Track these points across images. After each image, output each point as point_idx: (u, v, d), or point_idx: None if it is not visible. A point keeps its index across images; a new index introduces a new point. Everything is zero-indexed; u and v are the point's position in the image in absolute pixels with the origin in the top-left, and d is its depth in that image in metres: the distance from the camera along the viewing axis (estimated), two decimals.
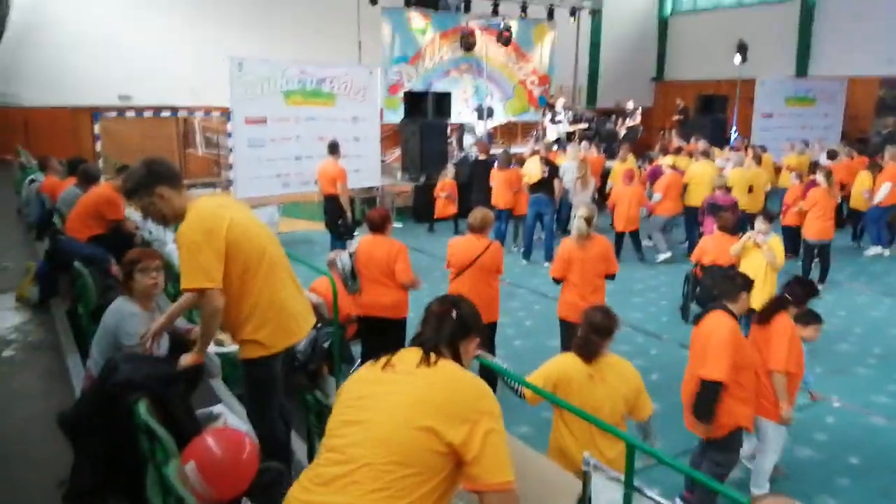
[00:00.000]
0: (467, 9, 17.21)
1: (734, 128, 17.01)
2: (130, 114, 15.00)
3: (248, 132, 11.28)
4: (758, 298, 5.44)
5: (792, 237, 10.21)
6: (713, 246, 7.40)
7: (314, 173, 12.04)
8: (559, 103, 16.31)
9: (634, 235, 10.20)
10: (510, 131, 19.43)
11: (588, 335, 3.53)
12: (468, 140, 15.89)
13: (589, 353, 3.52)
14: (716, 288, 7.33)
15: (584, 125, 16.07)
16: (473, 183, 11.35)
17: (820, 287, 8.81)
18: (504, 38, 16.93)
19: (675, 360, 6.52)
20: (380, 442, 1.86)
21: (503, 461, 1.90)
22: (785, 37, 20.26)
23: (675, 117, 19.04)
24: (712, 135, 15.19)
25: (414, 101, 13.87)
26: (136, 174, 3.00)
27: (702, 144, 11.83)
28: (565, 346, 5.69)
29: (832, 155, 11.55)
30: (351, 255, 5.49)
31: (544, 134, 16.37)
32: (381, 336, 5.37)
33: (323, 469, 1.90)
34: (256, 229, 3.17)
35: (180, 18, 15.51)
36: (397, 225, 12.69)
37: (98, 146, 14.55)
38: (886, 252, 10.78)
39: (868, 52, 18.35)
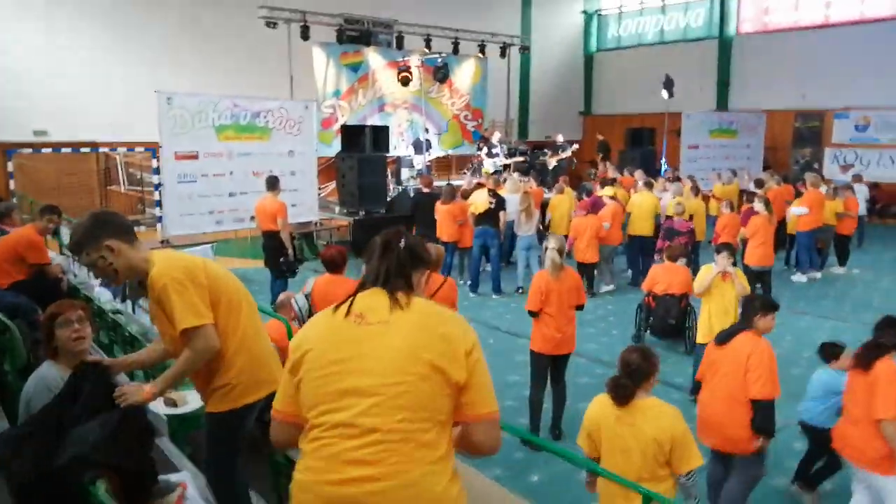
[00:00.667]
0: (399, 45, 17.17)
1: (664, 159, 17.47)
2: (47, 150, 14.16)
3: (177, 168, 10.77)
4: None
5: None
6: (664, 275, 7.41)
7: (249, 210, 11.61)
8: (495, 137, 16.37)
9: (592, 267, 10.13)
10: (446, 164, 19.40)
11: (620, 379, 3.34)
12: (405, 174, 15.73)
13: (620, 396, 3.33)
14: (671, 317, 7.42)
15: (520, 158, 16.16)
16: (416, 216, 11.12)
17: None
18: (441, 75, 16.98)
19: None
20: (392, 404, 1.82)
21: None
22: (705, 72, 21.10)
23: (599, 154, 19.50)
24: (642, 166, 15.52)
25: (351, 135, 13.62)
26: (81, 227, 2.71)
27: (641, 175, 12.01)
28: (535, 379, 5.52)
29: (759, 184, 11.91)
30: (307, 297, 5.15)
31: (480, 167, 16.40)
32: None
33: (340, 446, 1.83)
34: (226, 271, 2.93)
35: (102, 50, 14.82)
36: None
37: (12, 184, 13.66)
38: (818, 275, 11.13)
39: (783, 86, 19.30)
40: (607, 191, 11.24)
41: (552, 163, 16.78)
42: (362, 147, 13.36)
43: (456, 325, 1.97)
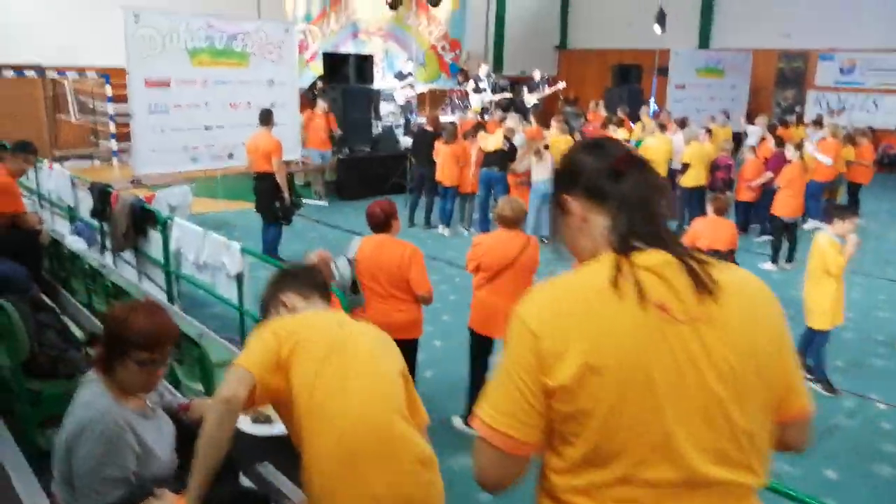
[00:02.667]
0: None
1: (653, 98, 16.81)
2: None
3: (148, 97, 9.54)
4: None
5: (746, 213, 9.96)
6: (708, 230, 6.80)
7: (227, 146, 10.57)
8: (482, 71, 15.37)
9: None
10: (421, 99, 18.32)
11: None
12: (385, 108, 14.66)
13: None
14: None
15: (507, 94, 15.26)
16: (416, 156, 10.21)
17: (788, 266, 8.60)
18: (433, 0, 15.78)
19: None
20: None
21: None
22: (688, 8, 20.25)
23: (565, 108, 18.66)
24: (629, 105, 14.87)
25: (334, 64, 12.47)
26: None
27: (663, 116, 11.36)
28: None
29: (773, 127, 11.39)
30: (350, 262, 4.32)
31: (463, 103, 15.46)
32: None
33: None
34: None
35: None
36: (321, 202, 11.42)
37: None
38: (825, 226, 10.75)
39: (767, 25, 18.68)
40: (621, 134, 10.54)
41: (531, 101, 15.93)
42: (345, 78, 12.28)
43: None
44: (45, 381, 3.04)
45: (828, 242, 5.21)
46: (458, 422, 4.74)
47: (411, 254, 4.30)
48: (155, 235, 6.12)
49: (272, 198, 7.99)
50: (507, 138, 9.31)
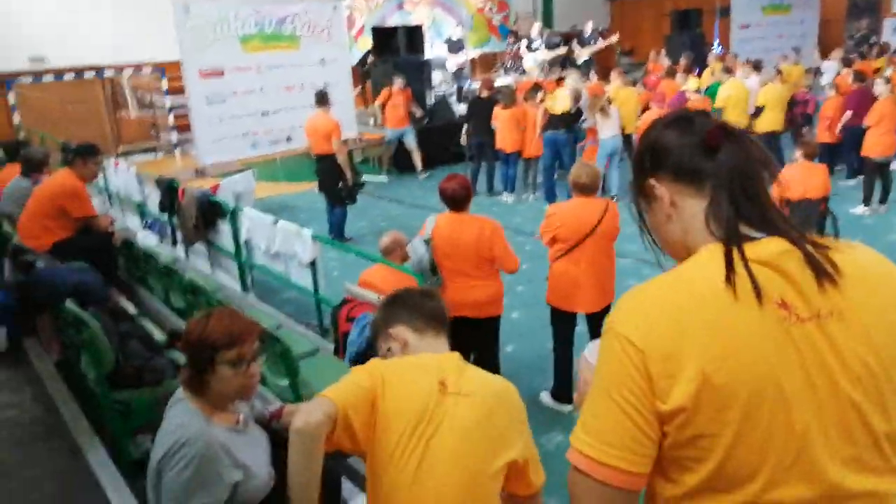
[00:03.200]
0: None
1: (717, 41, 16.00)
2: (48, 77, 12.82)
3: (204, 87, 9.54)
4: None
5: (830, 154, 9.35)
6: (801, 176, 6.36)
7: (285, 130, 10.53)
8: (534, 30, 14.87)
9: None
10: (474, 64, 17.93)
11: None
12: (436, 77, 14.37)
13: None
14: (811, 226, 6.44)
15: (561, 51, 14.74)
16: (472, 123, 9.93)
17: (882, 209, 8.04)
18: None
19: None
20: None
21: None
22: None
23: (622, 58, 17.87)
24: (693, 52, 14.17)
25: (383, 38, 12.24)
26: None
27: (729, 59, 10.78)
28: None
29: (848, 62, 10.62)
30: (427, 242, 4.15)
31: (516, 63, 15.01)
32: (471, 339, 4.12)
33: None
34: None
35: None
36: (381, 178, 11.30)
37: (16, 118, 12.43)
38: None
39: None
40: (691, 84, 10.01)
41: (584, 55, 15.34)
42: (396, 50, 12.03)
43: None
44: (132, 391, 2.99)
45: None
46: (546, 398, 4.56)
47: (492, 230, 4.10)
48: (225, 226, 6.09)
49: (335, 178, 7.88)
50: (576, 99, 8.93)
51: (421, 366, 1.84)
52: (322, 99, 7.82)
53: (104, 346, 2.92)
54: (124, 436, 3.01)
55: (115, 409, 2.96)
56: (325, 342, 4.64)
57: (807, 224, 6.34)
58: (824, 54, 13.98)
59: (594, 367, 1.20)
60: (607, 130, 8.76)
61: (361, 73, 14.57)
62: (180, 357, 3.36)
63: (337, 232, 8.02)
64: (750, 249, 1.11)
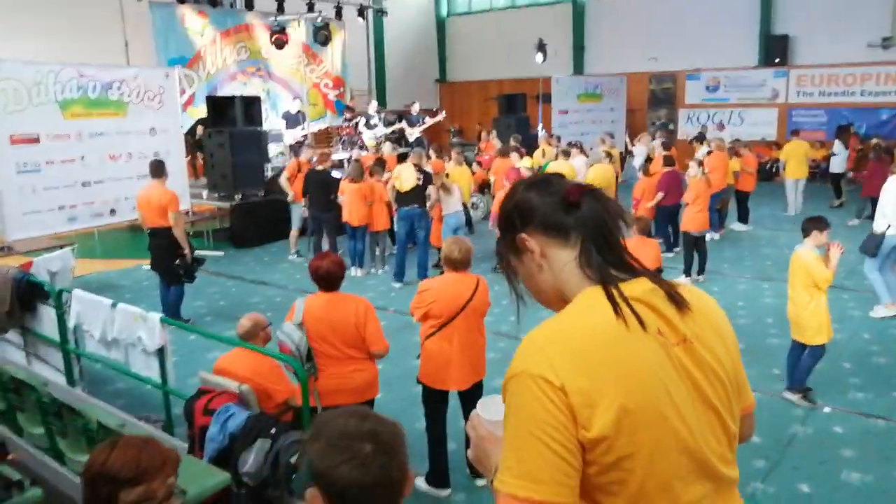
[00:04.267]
0: (249, 6, 15.34)
1: (541, 124, 17.19)
2: None
3: (15, 154, 8.58)
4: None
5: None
6: (636, 251, 6.74)
7: (108, 202, 9.78)
8: (371, 107, 15.13)
9: None
10: (316, 138, 17.84)
11: None
12: (272, 150, 14.08)
13: None
14: None
15: (399, 126, 15.11)
16: (310, 195, 9.72)
17: (701, 279, 8.82)
18: (323, 37, 15.49)
19: None
20: None
21: None
22: (560, 36, 21.02)
23: (452, 139, 18.82)
24: (519, 133, 15.11)
25: (218, 107, 11.81)
26: None
27: (552, 141, 11.51)
28: None
29: (667, 146, 11.81)
30: (300, 326, 3.88)
31: (353, 140, 15.13)
32: None
33: None
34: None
35: None
36: (217, 253, 10.71)
37: None
38: (717, 236, 11.24)
39: (636, 50, 19.69)
40: (525, 162, 10.58)
41: (415, 134, 15.87)
42: (232, 121, 11.65)
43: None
44: None
45: (812, 257, 5.05)
46: (422, 484, 4.36)
47: (365, 309, 3.94)
48: (45, 310, 5.37)
49: (171, 255, 7.31)
50: (419, 169, 9.06)
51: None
52: (158, 169, 7.30)
53: None
54: None
55: None
56: (174, 440, 4.14)
57: None
58: (632, 139, 15.46)
59: (491, 422, 1.33)
60: (450, 206, 8.95)
61: (192, 142, 13.95)
62: (10, 475, 2.82)
63: (173, 312, 7.39)
64: (625, 289, 1.27)
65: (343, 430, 1.26)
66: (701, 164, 8.91)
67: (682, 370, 1.24)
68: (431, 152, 11.60)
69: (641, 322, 1.22)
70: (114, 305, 4.64)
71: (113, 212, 9.77)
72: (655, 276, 1.34)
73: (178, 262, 7.30)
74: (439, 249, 8.88)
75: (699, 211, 8.55)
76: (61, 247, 8.22)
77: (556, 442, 1.16)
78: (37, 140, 8.77)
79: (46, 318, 5.37)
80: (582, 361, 1.18)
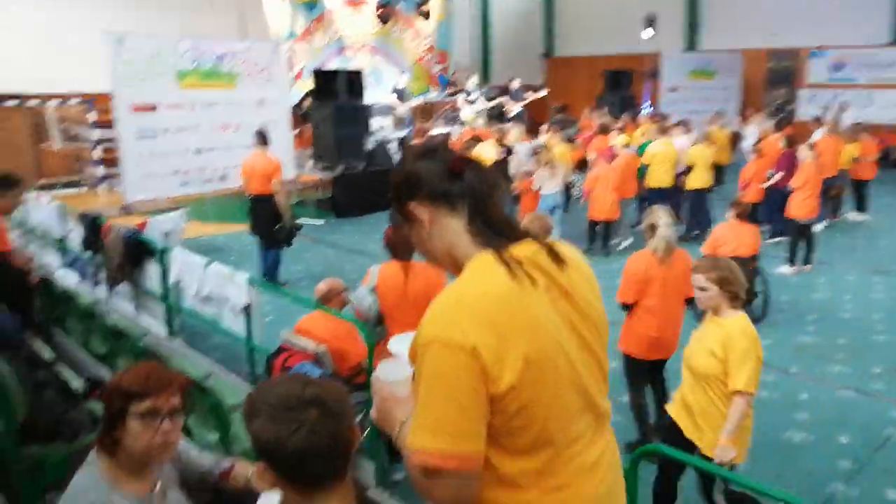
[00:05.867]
0: None
1: (647, 102, 16.64)
2: None
3: (135, 122, 9.22)
4: None
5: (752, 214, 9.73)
6: (731, 235, 6.54)
7: (218, 169, 10.27)
8: (471, 82, 15.14)
9: (610, 226, 9.26)
10: (420, 113, 18.05)
11: None
12: (377, 123, 14.36)
13: None
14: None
15: (499, 102, 15.05)
16: None
17: (806, 268, 8.35)
18: (424, 13, 15.64)
19: None
20: None
21: None
22: (674, 10, 20.14)
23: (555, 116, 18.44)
24: (622, 111, 14.73)
25: (323, 81, 12.18)
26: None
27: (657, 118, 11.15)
28: (634, 386, 4.57)
29: (781, 126, 11.17)
30: (372, 291, 4.02)
31: (455, 115, 15.21)
32: None
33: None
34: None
35: None
36: (318, 221, 11.12)
37: None
38: (823, 225, 10.54)
39: (755, 25, 18.57)
40: (621, 139, 10.30)
41: (515, 109, 15.69)
42: (336, 94, 11.98)
43: None
44: (44, 445, 2.72)
45: None
46: None
47: (439, 281, 3.99)
48: (152, 267, 5.79)
49: (272, 221, 7.67)
50: (502, 144, 9.04)
51: None
52: (262, 138, 7.65)
53: (15, 395, 2.65)
54: (34, 495, 2.72)
55: (25, 465, 2.67)
56: None
57: None
58: (745, 120, 14.69)
59: (391, 383, 1.43)
60: (551, 185, 8.85)
61: (299, 115, 14.46)
62: (100, 410, 3.10)
63: (270, 276, 7.77)
64: (514, 251, 1.39)
65: (285, 399, 1.27)
66: (813, 147, 8.37)
67: (566, 320, 1.41)
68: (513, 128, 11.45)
69: (532, 280, 1.37)
70: (207, 265, 4.96)
71: (223, 178, 10.32)
72: (535, 236, 1.48)
73: (278, 227, 7.64)
74: None
75: (808, 197, 8.06)
76: (175, 209, 8.82)
77: (469, 399, 1.27)
78: (154, 108, 9.37)
79: (152, 274, 5.79)
80: (487, 321, 1.29)
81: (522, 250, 1.40)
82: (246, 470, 2.09)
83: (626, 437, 4.50)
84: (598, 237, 9.34)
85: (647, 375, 4.55)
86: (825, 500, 3.94)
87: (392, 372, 1.45)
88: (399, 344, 1.62)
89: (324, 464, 1.27)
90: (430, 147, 1.52)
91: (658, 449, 2.90)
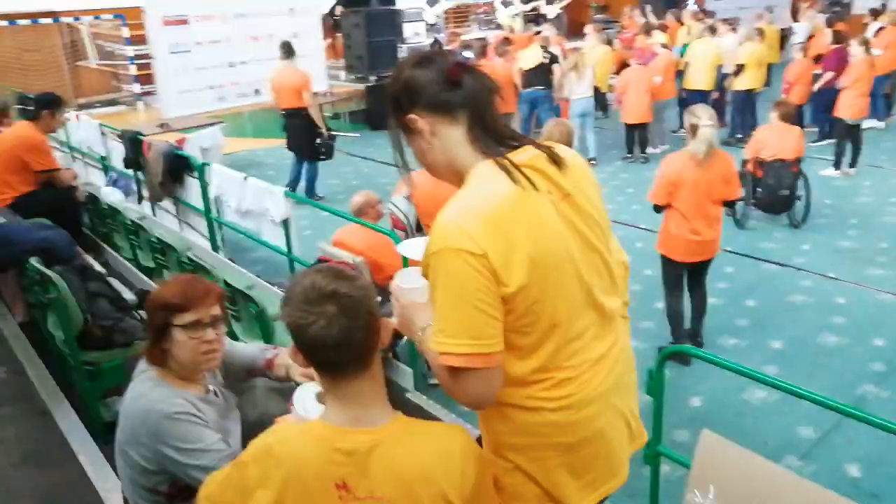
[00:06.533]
0: None
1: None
2: (2, 23, 12.23)
3: (167, 36, 9.18)
4: None
5: (798, 115, 9.41)
6: (774, 138, 6.37)
7: (252, 82, 10.23)
8: None
9: (643, 127, 9.04)
10: (453, 17, 17.55)
11: None
12: (408, 30, 14.05)
13: None
14: (783, 188, 6.47)
15: (536, 3, 14.53)
16: None
17: (852, 171, 8.11)
18: None
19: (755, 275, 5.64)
20: None
21: None
22: None
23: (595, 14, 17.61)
24: (667, 6, 14.07)
25: None
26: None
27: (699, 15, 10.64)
28: (670, 288, 4.59)
29: (832, 22, 10.59)
30: (408, 199, 4.07)
31: (487, 18, 14.77)
32: None
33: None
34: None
35: None
36: (353, 134, 11.09)
37: None
38: (882, 125, 10.16)
39: None
40: (658, 37, 9.91)
41: (553, 12, 15.10)
42: (367, 0, 11.71)
43: None
44: (101, 352, 2.91)
45: None
46: None
47: None
48: (192, 182, 5.90)
49: (307, 135, 7.68)
50: (545, 49, 8.80)
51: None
52: (288, 50, 7.56)
53: (72, 305, 2.82)
54: (94, 398, 2.93)
55: (85, 370, 2.87)
56: None
57: (780, 184, 6.40)
58: (795, 15, 13.94)
59: (411, 290, 1.48)
60: (580, 90, 8.65)
61: (330, 24, 14.20)
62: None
63: (308, 189, 7.87)
64: (514, 157, 1.41)
65: (309, 290, 1.34)
66: (867, 42, 7.94)
67: (568, 221, 1.44)
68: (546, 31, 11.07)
69: (534, 184, 1.39)
70: (245, 179, 5.05)
71: (257, 91, 10.29)
72: (534, 140, 1.49)
73: (318, 140, 7.64)
74: None
75: (858, 95, 7.71)
76: (212, 124, 8.90)
77: (484, 302, 1.33)
78: (185, 21, 9.30)
79: (193, 189, 5.92)
80: (494, 227, 1.33)
81: (523, 156, 1.43)
82: (286, 360, 2.21)
83: (656, 342, 4.59)
84: (636, 143, 9.17)
85: (682, 280, 4.56)
86: (856, 401, 3.99)
87: (410, 279, 1.50)
88: (408, 249, 1.70)
89: (337, 354, 1.34)
90: (427, 54, 1.48)
91: (685, 350, 2.95)
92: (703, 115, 4.15)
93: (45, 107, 4.73)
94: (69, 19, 13.12)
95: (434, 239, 1.36)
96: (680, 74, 9.70)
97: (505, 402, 1.47)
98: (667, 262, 4.51)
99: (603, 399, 1.52)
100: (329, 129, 7.77)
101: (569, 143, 4.22)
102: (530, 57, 8.74)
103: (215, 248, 5.78)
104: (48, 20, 12.72)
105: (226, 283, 3.51)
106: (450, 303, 1.34)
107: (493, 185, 1.38)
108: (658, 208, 4.42)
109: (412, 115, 1.44)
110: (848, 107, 7.77)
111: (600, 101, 10.74)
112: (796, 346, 4.63)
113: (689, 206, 4.28)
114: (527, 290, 1.36)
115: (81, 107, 11.66)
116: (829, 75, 8.55)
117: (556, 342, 1.44)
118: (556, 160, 1.45)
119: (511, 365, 1.42)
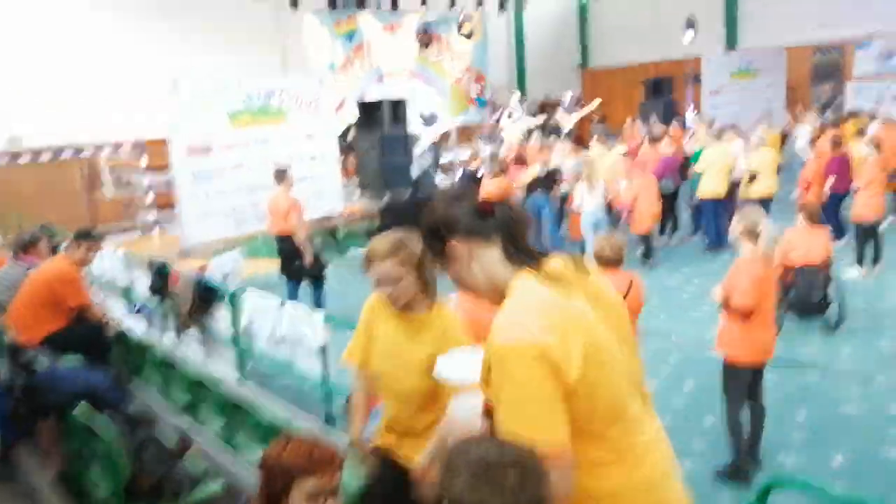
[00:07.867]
0: (395, 6, 15.84)
1: (691, 106, 16.38)
2: (25, 158, 12.57)
3: (191, 164, 9.41)
4: None
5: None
6: (802, 240, 6.34)
7: None
8: (514, 99, 15.13)
9: (649, 236, 9.21)
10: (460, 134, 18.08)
11: None
12: (416, 150, 14.41)
13: None
14: (816, 291, 6.37)
15: (539, 119, 14.99)
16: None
17: (876, 270, 8.04)
18: (467, 31, 15.75)
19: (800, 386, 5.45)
20: None
21: None
22: (710, 9, 19.76)
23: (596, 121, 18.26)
24: (665, 119, 14.51)
25: (367, 111, 12.28)
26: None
27: (713, 125, 10.97)
28: (735, 399, 4.35)
29: (836, 122, 10.87)
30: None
31: (496, 135, 15.19)
32: None
33: None
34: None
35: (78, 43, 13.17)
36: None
37: None
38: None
39: (796, 18, 18.12)
40: (669, 149, 10.15)
41: (569, 124, 15.56)
42: (380, 123, 12.06)
43: None
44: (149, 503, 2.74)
45: None
46: None
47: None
48: (220, 311, 5.85)
49: (294, 259, 7.58)
50: (544, 163, 9.16)
51: None
52: (280, 176, 7.66)
53: (120, 456, 2.67)
54: None
55: None
56: (334, 430, 4.38)
57: (812, 292, 6.30)
58: (795, 119, 14.32)
59: (452, 382, 1.76)
60: (592, 201, 8.73)
61: (344, 146, 14.61)
62: (193, 466, 3.11)
63: None
64: (546, 268, 1.64)
65: (485, 460, 1.28)
66: (877, 144, 8.07)
67: (601, 318, 1.61)
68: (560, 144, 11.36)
69: (568, 288, 1.60)
70: (282, 305, 4.99)
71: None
72: (558, 252, 1.73)
73: (296, 263, 7.52)
74: (581, 241, 8.84)
75: (873, 195, 7.78)
76: (230, 249, 8.95)
77: (551, 396, 1.47)
78: (210, 150, 9.55)
79: (220, 317, 5.86)
80: (549, 324, 1.50)
81: (553, 265, 1.65)
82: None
83: (711, 462, 4.33)
84: (652, 249, 9.22)
85: (747, 388, 4.38)
86: None
87: (455, 370, 1.72)
88: (446, 367, 1.85)
89: None
90: (457, 193, 1.77)
91: (789, 481, 2.74)
92: (761, 219, 4.17)
93: (81, 240, 4.74)
94: (89, 152, 13.48)
95: (498, 337, 1.50)
96: (693, 183, 9.80)
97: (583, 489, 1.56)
98: (735, 370, 4.32)
99: (669, 476, 1.69)
100: (315, 256, 7.68)
101: (620, 256, 4.21)
102: (528, 173, 9.09)
103: (243, 377, 5.65)
104: (69, 153, 13.06)
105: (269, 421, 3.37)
106: (517, 401, 1.48)
107: (536, 290, 1.58)
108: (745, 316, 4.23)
109: (452, 243, 1.67)
110: (865, 206, 7.80)
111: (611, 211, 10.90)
112: (861, 461, 4.40)
113: (770, 306, 4.26)
114: (585, 378, 1.50)
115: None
116: (831, 179, 8.68)
117: (620, 424, 1.59)
118: (580, 267, 1.69)
119: (586, 450, 1.53)
